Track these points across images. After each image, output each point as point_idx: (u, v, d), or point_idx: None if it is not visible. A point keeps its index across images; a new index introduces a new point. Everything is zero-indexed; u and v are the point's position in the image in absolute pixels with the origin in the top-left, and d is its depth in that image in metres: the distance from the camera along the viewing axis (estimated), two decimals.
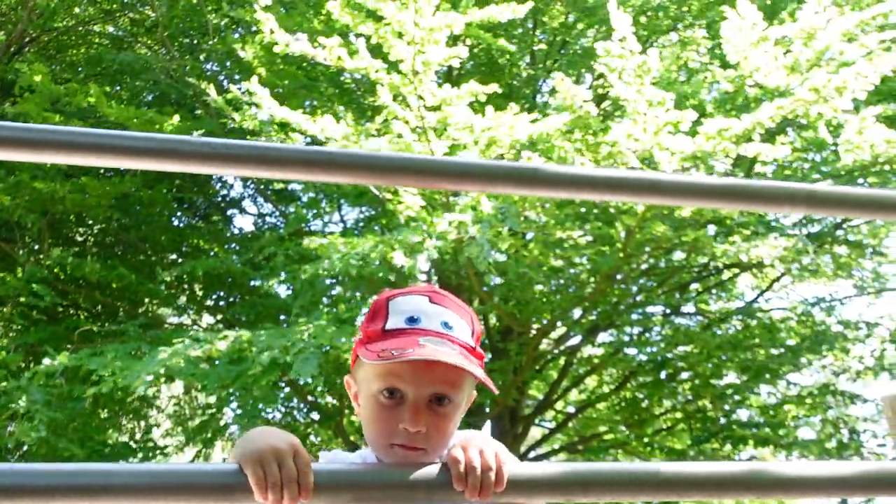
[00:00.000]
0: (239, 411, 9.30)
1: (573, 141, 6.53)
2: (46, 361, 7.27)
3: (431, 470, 1.09)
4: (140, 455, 9.61)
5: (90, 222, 10.99)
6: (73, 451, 7.85)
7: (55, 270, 9.78)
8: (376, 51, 6.89)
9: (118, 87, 10.61)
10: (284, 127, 7.58)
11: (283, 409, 11.39)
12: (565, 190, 1.18)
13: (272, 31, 7.12)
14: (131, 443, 9.95)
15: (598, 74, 6.68)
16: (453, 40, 6.28)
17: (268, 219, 12.17)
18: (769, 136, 7.21)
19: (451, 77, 6.61)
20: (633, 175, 1.21)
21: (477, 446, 1.16)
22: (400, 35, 6.17)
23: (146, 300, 10.89)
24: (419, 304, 1.45)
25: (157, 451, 10.27)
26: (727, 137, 6.31)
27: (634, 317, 10.23)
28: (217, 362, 7.51)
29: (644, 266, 9.43)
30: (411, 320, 1.42)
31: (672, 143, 6.29)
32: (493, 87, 6.48)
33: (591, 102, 6.68)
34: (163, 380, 7.25)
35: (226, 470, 1.04)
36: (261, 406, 10.32)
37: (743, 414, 10.26)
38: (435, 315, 1.43)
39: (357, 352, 1.46)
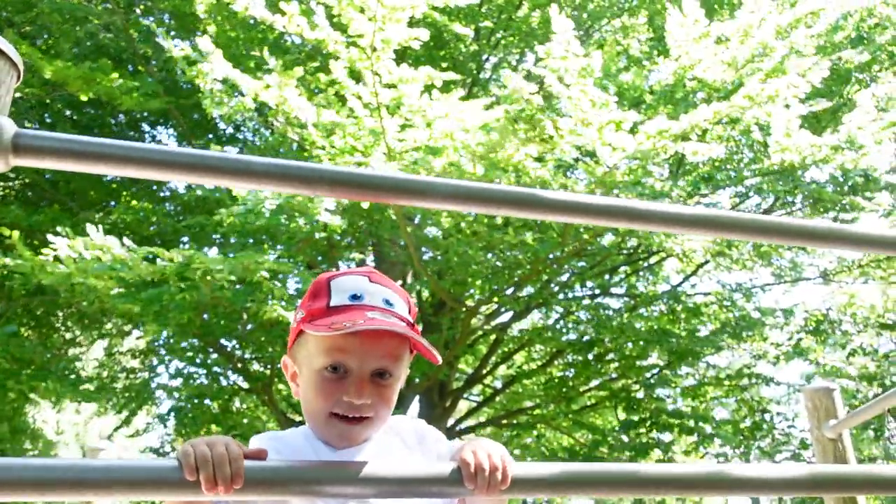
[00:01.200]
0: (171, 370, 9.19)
1: (517, 131, 6.64)
2: None
3: (444, 469, 1.19)
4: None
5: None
6: None
7: None
8: (335, 23, 6.83)
9: (47, 37, 10.17)
10: (234, 88, 7.46)
11: (208, 374, 11.28)
12: (561, 214, 1.26)
13: None
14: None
15: (539, 58, 6.78)
16: (410, 20, 6.26)
17: None
18: (703, 132, 7.52)
19: (398, 54, 6.61)
20: (622, 203, 1.30)
21: (485, 449, 1.25)
22: (362, 10, 6.13)
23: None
24: (360, 283, 1.49)
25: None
26: (667, 137, 6.54)
27: (564, 298, 10.52)
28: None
29: (574, 245, 9.72)
30: (355, 297, 1.45)
31: (614, 139, 6.48)
32: (451, 76, 6.53)
33: (538, 95, 6.80)
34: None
35: (164, 465, 1.08)
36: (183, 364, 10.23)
37: (665, 394, 10.71)
38: (377, 293, 1.48)
39: (299, 329, 1.48)
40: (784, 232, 1.39)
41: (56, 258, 6.68)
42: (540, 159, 7.00)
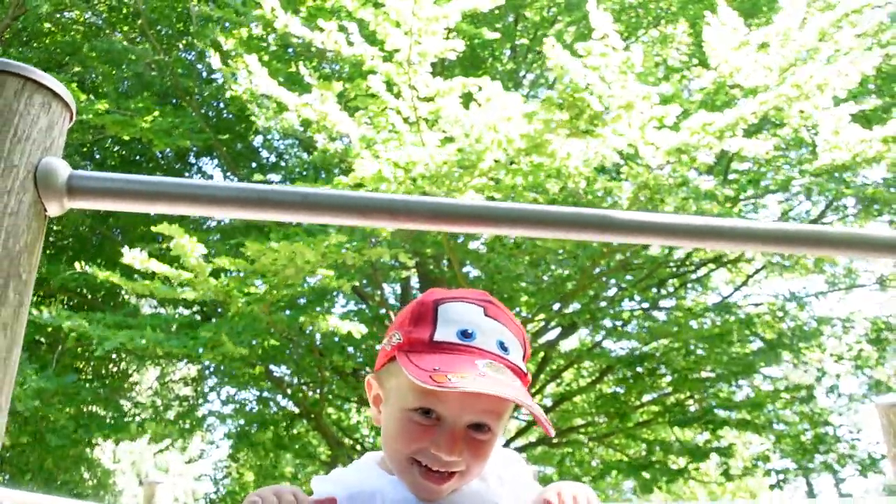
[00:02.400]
0: (222, 397, 9.32)
1: (560, 124, 6.48)
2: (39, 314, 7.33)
3: None
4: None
5: None
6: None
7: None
8: (370, 38, 6.89)
9: (94, 77, 10.48)
10: (280, 106, 7.60)
11: (258, 396, 11.40)
12: (626, 234, 1.20)
13: (273, 10, 7.07)
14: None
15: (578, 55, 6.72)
16: (447, 33, 6.28)
17: None
18: (747, 135, 7.35)
19: (435, 69, 6.62)
20: (652, 218, 1.23)
21: (570, 491, 1.18)
22: (398, 24, 6.16)
23: (122, 293, 10.80)
24: (473, 316, 1.26)
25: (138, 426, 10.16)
26: (711, 132, 6.39)
27: (613, 311, 10.37)
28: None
29: (620, 257, 9.59)
30: (465, 335, 1.24)
31: (657, 137, 6.37)
32: (485, 81, 6.48)
33: (582, 79, 6.68)
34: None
35: None
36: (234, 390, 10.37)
37: (721, 413, 10.45)
38: (491, 332, 1.26)
39: (392, 356, 1.27)
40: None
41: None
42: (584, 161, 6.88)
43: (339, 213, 1.13)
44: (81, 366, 11.07)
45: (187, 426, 10.92)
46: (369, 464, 1.38)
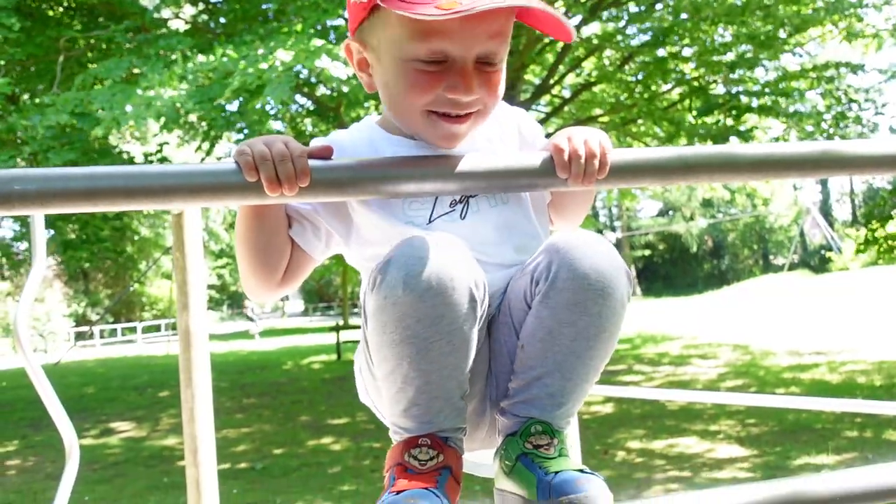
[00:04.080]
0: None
1: None
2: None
3: (534, 159, 1.05)
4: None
5: None
6: None
7: None
8: None
9: None
10: None
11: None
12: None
13: None
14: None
15: None
16: None
17: None
18: None
19: None
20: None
21: (581, 135, 1.09)
22: None
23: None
24: None
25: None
26: None
27: None
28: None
29: None
30: None
31: None
32: None
33: None
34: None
35: (222, 168, 0.97)
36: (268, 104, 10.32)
37: (743, 90, 10.15)
38: None
39: (372, 5, 1.14)
40: None
41: None
42: None
43: None
44: None
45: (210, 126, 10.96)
46: (368, 123, 1.34)
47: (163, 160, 9.98)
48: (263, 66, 6.64)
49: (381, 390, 1.13)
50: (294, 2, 8.23)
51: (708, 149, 1.07)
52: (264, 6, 9.42)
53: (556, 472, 1.02)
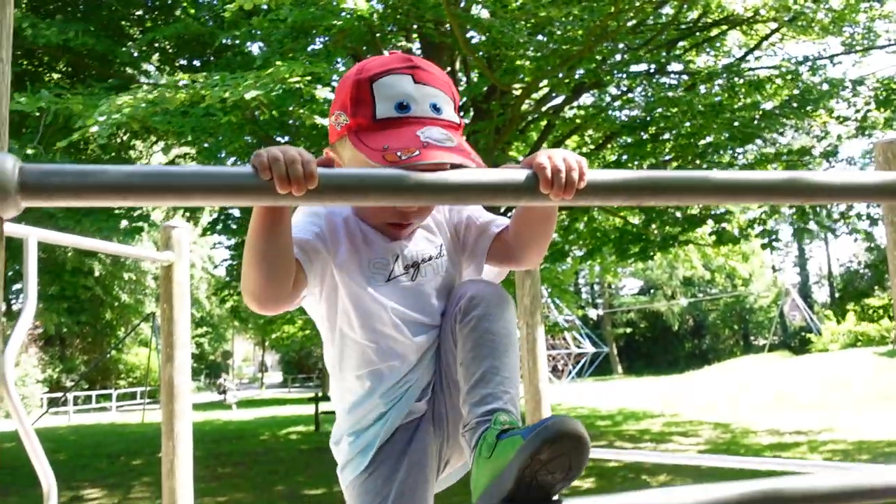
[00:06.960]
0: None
1: None
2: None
3: (518, 175, 1.15)
4: None
5: None
6: None
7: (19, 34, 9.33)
8: None
9: None
10: None
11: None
12: None
13: None
14: None
15: None
16: None
17: None
18: None
19: None
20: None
21: (560, 153, 1.21)
22: None
23: (117, 62, 10.48)
24: (405, 87, 1.44)
25: None
26: None
27: (619, 76, 10.10)
28: (187, 112, 7.61)
29: (631, 22, 9.16)
30: (401, 107, 1.42)
31: None
32: None
33: None
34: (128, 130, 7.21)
35: (240, 171, 1.07)
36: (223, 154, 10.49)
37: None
38: (422, 98, 1.44)
39: (344, 135, 1.47)
40: None
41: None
42: None
43: None
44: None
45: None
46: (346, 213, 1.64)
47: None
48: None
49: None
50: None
51: (678, 172, 1.17)
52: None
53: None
